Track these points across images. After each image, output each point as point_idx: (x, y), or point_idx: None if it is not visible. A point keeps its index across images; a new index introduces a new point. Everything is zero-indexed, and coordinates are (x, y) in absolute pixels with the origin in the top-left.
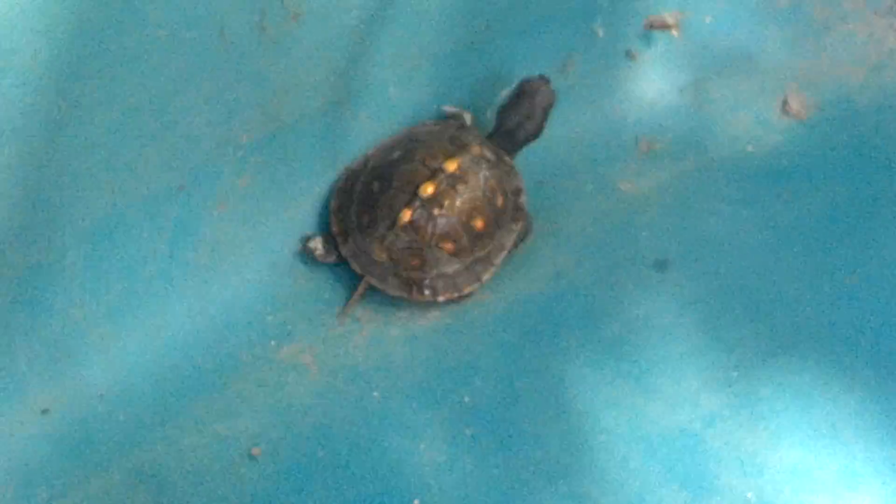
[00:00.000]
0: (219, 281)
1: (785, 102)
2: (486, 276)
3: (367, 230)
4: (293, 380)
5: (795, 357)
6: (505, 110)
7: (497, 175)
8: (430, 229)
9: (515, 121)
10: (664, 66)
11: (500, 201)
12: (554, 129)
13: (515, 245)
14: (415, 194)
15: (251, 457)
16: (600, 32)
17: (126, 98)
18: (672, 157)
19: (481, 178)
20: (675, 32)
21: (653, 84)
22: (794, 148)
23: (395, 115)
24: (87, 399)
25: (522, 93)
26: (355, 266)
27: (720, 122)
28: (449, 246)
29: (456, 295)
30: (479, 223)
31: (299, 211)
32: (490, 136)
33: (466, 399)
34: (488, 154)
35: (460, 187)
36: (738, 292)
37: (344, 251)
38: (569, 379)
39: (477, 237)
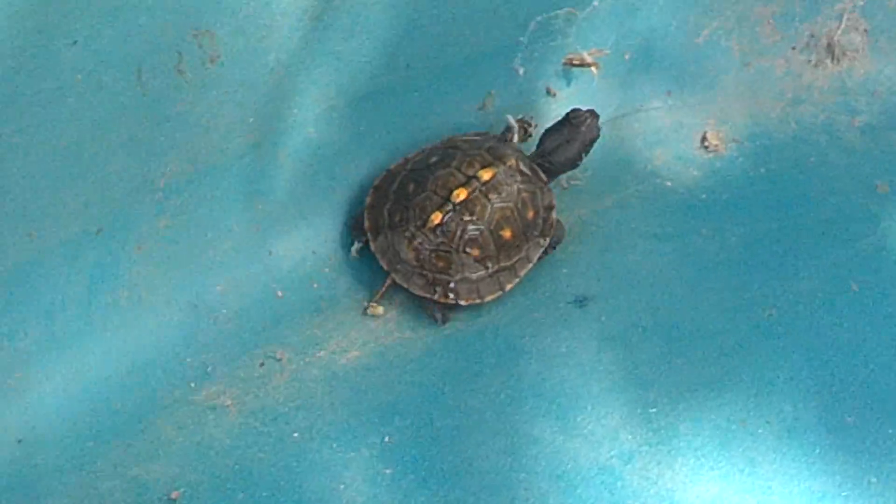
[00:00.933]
0: (138, 323)
1: (703, 137)
2: (508, 286)
3: (398, 228)
4: (212, 421)
5: (714, 392)
6: (548, 133)
7: (530, 189)
8: (458, 234)
9: (555, 144)
10: (583, 102)
11: (530, 214)
12: None
13: (545, 255)
14: (447, 198)
15: (170, 500)
16: (520, 70)
17: (42, 142)
18: (592, 193)
19: (514, 189)
20: (594, 70)
21: None
22: (712, 182)
23: (315, 156)
24: (5, 444)
25: (568, 121)
26: (383, 262)
27: (639, 158)
28: (475, 252)
29: (478, 301)
30: (507, 233)
31: (218, 252)
32: (530, 156)
33: (387, 439)
34: (524, 168)
35: (492, 196)
36: (658, 327)
37: (373, 246)
38: (489, 418)
39: (504, 247)
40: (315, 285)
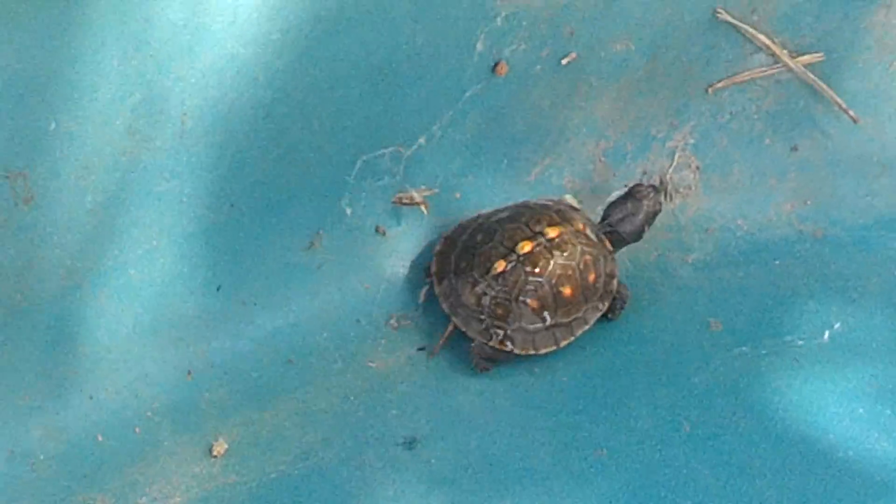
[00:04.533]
0: None
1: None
2: (564, 343)
3: (462, 274)
4: None
5: None
6: (612, 206)
7: (594, 254)
8: (519, 284)
9: (619, 216)
10: (414, 241)
11: (591, 277)
12: (302, 306)
13: (606, 319)
14: (512, 249)
15: None
16: (348, 210)
17: None
18: (423, 331)
19: (578, 251)
20: (423, 209)
21: (403, 260)
22: None
23: (137, 297)
24: None
25: (630, 194)
26: (444, 305)
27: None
28: (534, 304)
29: (532, 352)
30: (567, 290)
31: (36, 396)
32: (597, 226)
33: None
34: (590, 234)
35: (556, 253)
36: (488, 469)
37: (437, 290)
38: None
39: (562, 303)
40: (137, 429)
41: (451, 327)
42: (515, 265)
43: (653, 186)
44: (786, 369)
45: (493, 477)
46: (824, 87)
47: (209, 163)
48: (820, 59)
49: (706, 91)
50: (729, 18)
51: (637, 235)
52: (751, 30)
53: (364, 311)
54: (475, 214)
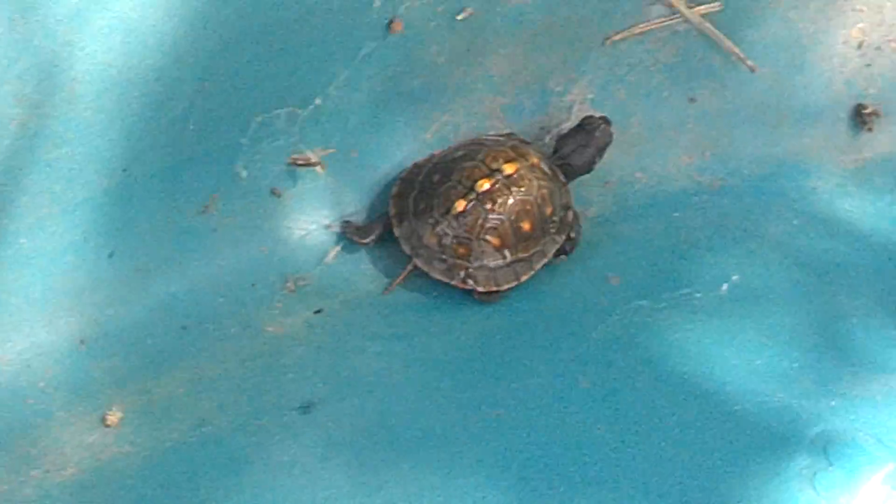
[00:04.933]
0: None
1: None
2: (524, 277)
3: (422, 215)
4: None
5: (441, 496)
6: (563, 138)
7: (549, 187)
8: (479, 222)
9: (571, 148)
10: (310, 203)
11: (548, 210)
12: (197, 271)
13: (564, 254)
14: (471, 188)
15: None
16: (243, 172)
17: None
18: (320, 294)
19: (535, 185)
20: (319, 169)
21: (299, 221)
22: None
23: (28, 265)
24: None
25: (581, 126)
26: (406, 246)
27: (368, 257)
28: (495, 241)
29: (494, 288)
30: (526, 225)
31: None
32: (549, 159)
33: None
34: (545, 168)
35: (514, 189)
36: (385, 432)
37: (397, 232)
38: None
39: (522, 238)
40: (29, 400)
41: (410, 266)
42: (475, 203)
43: (603, 118)
44: (684, 323)
45: (391, 439)
46: (722, 36)
47: (100, 128)
48: (717, 8)
49: (604, 43)
50: None
51: (588, 167)
52: None
53: (260, 274)
54: (428, 154)
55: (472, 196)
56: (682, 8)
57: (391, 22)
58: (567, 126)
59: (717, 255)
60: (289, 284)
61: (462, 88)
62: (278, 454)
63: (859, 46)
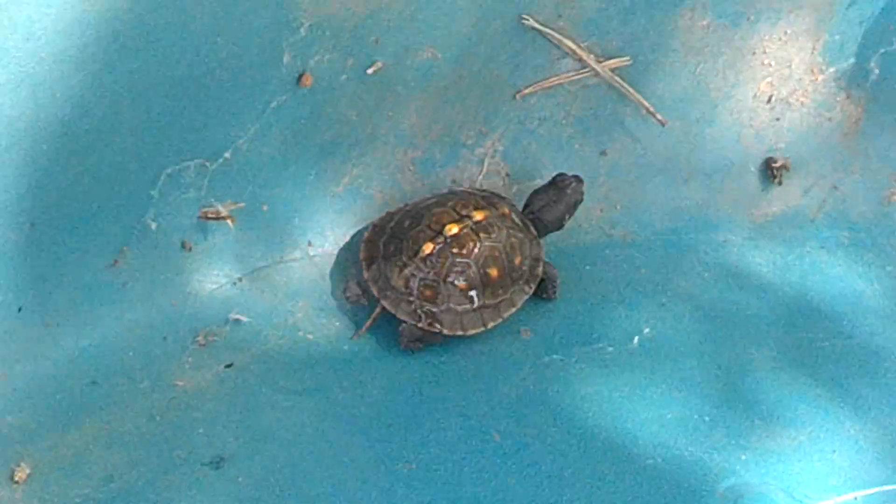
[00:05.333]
0: None
1: (346, 288)
2: (491, 324)
3: (390, 258)
4: None
5: None
6: (534, 194)
7: (519, 237)
8: (447, 265)
9: (541, 204)
10: (221, 256)
11: (517, 260)
12: (107, 325)
13: (548, 294)
14: (440, 232)
15: None
16: (153, 225)
17: None
18: (231, 349)
19: (504, 233)
20: (230, 223)
21: (210, 275)
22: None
23: None
24: None
25: (554, 184)
26: (374, 289)
27: (280, 311)
28: (462, 285)
29: (460, 332)
30: (493, 272)
31: None
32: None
33: None
34: (516, 219)
35: (483, 235)
36: (295, 487)
37: (366, 275)
38: None
39: (490, 284)
40: None
41: (378, 310)
42: (443, 247)
43: (575, 177)
44: (596, 376)
45: (301, 495)
46: (632, 90)
47: (7, 182)
48: (627, 63)
49: (514, 97)
50: (535, 24)
51: (558, 223)
52: (557, 35)
53: (171, 328)
54: (402, 204)
55: (441, 240)
56: (592, 62)
57: (301, 76)
58: (538, 183)
59: (628, 309)
60: (199, 338)
61: (373, 141)
62: None
63: (769, 100)
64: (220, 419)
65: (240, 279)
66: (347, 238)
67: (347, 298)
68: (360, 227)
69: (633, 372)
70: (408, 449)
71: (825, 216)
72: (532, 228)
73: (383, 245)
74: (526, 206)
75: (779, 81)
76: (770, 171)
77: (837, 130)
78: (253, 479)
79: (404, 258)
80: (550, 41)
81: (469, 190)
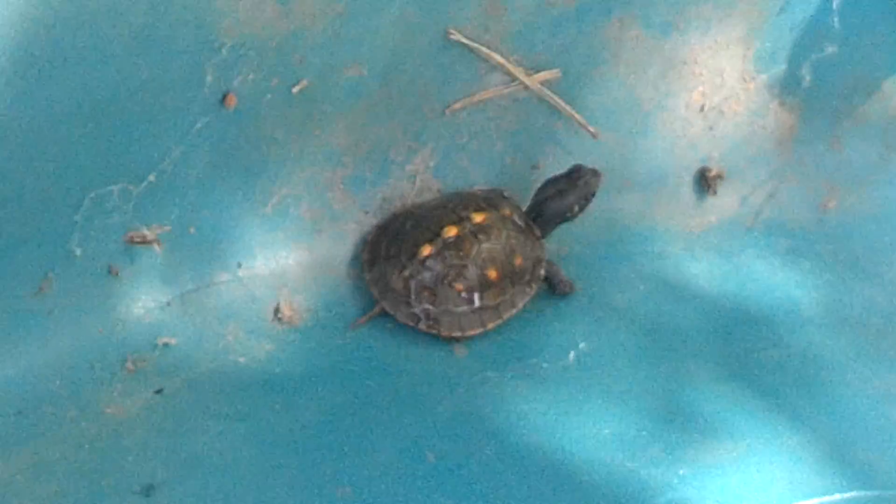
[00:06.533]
0: None
1: (277, 309)
2: (491, 325)
3: (390, 260)
4: None
5: None
6: (546, 183)
7: (520, 239)
8: (445, 268)
9: (549, 193)
10: (148, 281)
11: (518, 261)
12: (33, 354)
13: (558, 290)
14: (438, 234)
15: None
16: (78, 251)
17: None
18: (161, 374)
19: (504, 235)
20: (157, 247)
21: (138, 300)
22: (287, 355)
23: None
24: None
25: (569, 173)
26: (374, 291)
27: (210, 335)
28: (460, 287)
29: (459, 334)
30: (492, 273)
31: None
32: (528, 210)
33: None
34: (517, 220)
35: (482, 237)
36: None
37: (367, 277)
38: None
39: (489, 286)
40: None
41: (377, 309)
42: (441, 249)
43: (592, 170)
44: (531, 393)
45: None
46: (562, 103)
47: None
48: (556, 75)
49: (444, 113)
50: (462, 39)
51: (562, 215)
52: (485, 49)
53: (98, 355)
54: (409, 205)
55: (439, 242)
56: (521, 76)
57: (225, 96)
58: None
59: (564, 324)
60: (128, 365)
61: (301, 161)
62: None
63: (701, 110)
64: (149, 446)
65: (168, 303)
66: (277, 258)
67: (279, 319)
68: (289, 247)
69: (568, 387)
70: (342, 472)
71: (762, 225)
72: (536, 230)
73: (385, 247)
74: (534, 195)
75: (711, 90)
76: (705, 181)
77: (772, 138)
78: None
79: (403, 260)
80: (478, 55)
81: (474, 191)
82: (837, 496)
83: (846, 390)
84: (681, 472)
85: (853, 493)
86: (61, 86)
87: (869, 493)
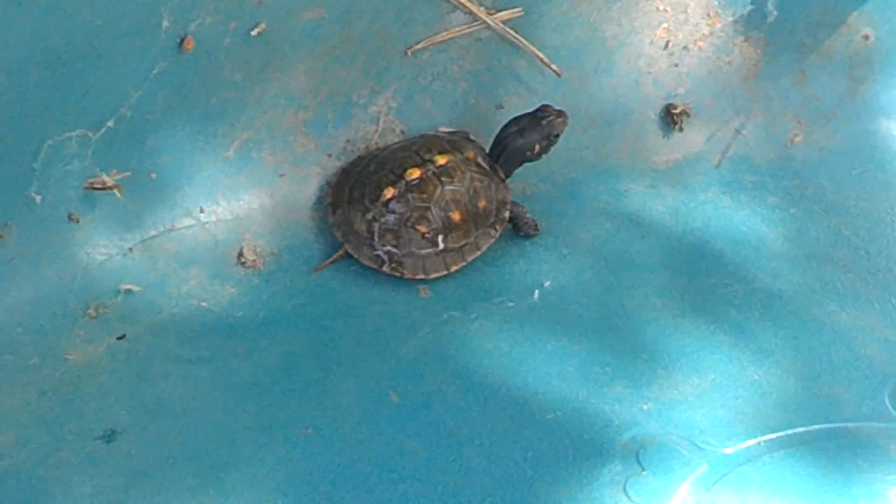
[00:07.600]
0: None
1: (240, 253)
2: (454, 268)
3: (354, 203)
4: None
5: None
6: (512, 120)
7: (484, 181)
8: (408, 210)
9: (511, 130)
10: (110, 227)
11: (481, 203)
12: None
13: (524, 231)
14: (401, 177)
15: None
16: (38, 199)
17: None
18: (123, 320)
19: (468, 177)
20: (117, 193)
21: (99, 247)
22: (250, 299)
23: None
24: None
25: (534, 112)
26: (337, 234)
27: (173, 280)
28: (423, 229)
29: (422, 276)
30: (455, 216)
31: None
32: (490, 148)
33: None
34: (481, 162)
35: (445, 179)
36: (190, 458)
37: (331, 220)
38: None
39: (452, 228)
40: None
41: (341, 251)
42: (404, 192)
43: (559, 111)
44: (496, 332)
45: (196, 466)
46: (525, 42)
47: None
48: (519, 14)
49: (406, 54)
50: None
51: (521, 154)
52: None
53: (60, 302)
54: (374, 148)
55: (402, 184)
56: (483, 15)
57: (183, 40)
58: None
59: (529, 262)
60: (90, 311)
61: (262, 104)
62: (80, 485)
63: (666, 46)
64: (112, 392)
65: (130, 249)
66: (240, 203)
67: (242, 264)
68: (251, 191)
69: (533, 326)
70: (304, 414)
71: (728, 161)
72: (500, 172)
73: (349, 190)
74: (500, 132)
75: (675, 27)
76: (670, 118)
77: (737, 74)
78: (146, 451)
79: (367, 203)
80: None
81: (438, 133)
82: (802, 429)
83: (811, 324)
84: (645, 407)
85: (818, 426)
86: (15, 34)
87: (833, 425)
